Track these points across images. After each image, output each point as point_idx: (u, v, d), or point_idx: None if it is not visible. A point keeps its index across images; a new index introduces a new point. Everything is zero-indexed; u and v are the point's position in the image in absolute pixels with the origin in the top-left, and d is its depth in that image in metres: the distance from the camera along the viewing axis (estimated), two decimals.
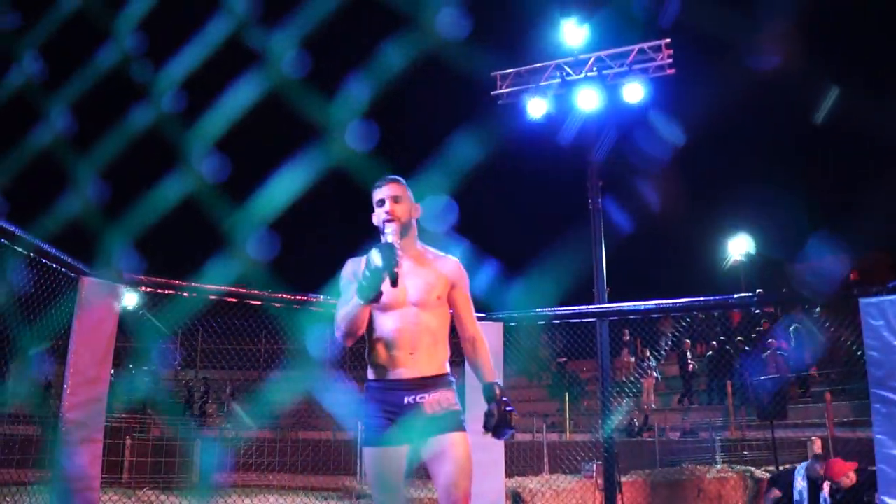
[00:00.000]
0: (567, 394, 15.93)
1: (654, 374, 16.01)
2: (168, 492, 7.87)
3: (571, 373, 16.87)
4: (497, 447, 5.81)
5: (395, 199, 2.88)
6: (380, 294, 2.66)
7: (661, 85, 9.12)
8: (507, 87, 10.04)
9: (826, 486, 6.15)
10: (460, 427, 2.85)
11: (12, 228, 4.05)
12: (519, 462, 11.19)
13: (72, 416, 4.54)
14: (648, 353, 16.05)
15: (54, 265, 4.49)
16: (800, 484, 6.29)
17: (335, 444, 13.28)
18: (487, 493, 5.64)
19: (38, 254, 4.39)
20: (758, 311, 14.82)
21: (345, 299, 2.86)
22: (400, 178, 2.96)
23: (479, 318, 5.92)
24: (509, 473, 9.41)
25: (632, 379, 15.58)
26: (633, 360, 16.92)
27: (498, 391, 2.90)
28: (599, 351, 8.11)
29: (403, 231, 2.88)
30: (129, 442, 11.45)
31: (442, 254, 3.04)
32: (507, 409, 2.86)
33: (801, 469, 6.43)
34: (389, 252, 2.61)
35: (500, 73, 10.13)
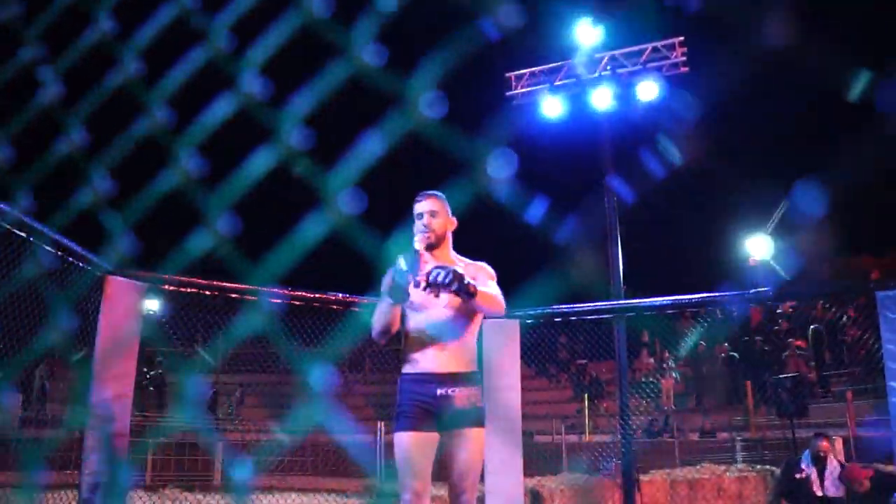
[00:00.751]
0: (587, 395, 15.93)
1: (673, 375, 15.96)
2: (191, 491, 7.99)
3: (591, 374, 16.86)
4: (515, 447, 5.85)
5: (432, 214, 3.23)
6: (407, 294, 3.01)
7: (675, 82, 9.14)
8: (521, 87, 10.11)
9: (831, 461, 6.25)
10: (481, 423, 3.15)
11: (43, 228, 4.17)
12: (538, 462, 11.21)
13: (99, 411, 4.65)
14: (667, 355, 16.01)
15: (80, 263, 4.62)
16: (806, 470, 6.35)
17: (354, 448, 13.35)
18: (506, 490, 5.69)
19: (63, 251, 4.51)
20: (778, 310, 14.75)
21: (381, 302, 3.18)
22: (438, 194, 3.29)
23: (495, 317, 6.00)
24: (529, 473, 9.45)
25: (651, 380, 15.55)
26: (652, 361, 16.88)
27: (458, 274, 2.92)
28: (617, 349, 8.14)
29: (437, 241, 3.23)
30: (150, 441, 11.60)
31: (472, 261, 3.35)
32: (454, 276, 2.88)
33: (805, 456, 6.46)
34: (413, 258, 3.00)
35: (514, 73, 10.20)
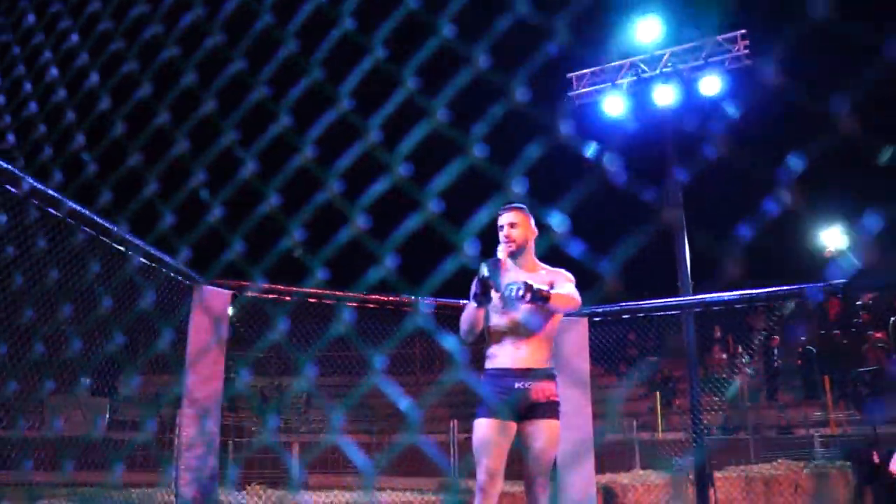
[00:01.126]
0: (658, 393, 15.78)
1: (748, 370, 15.64)
2: (275, 488, 8.36)
3: (662, 371, 16.68)
4: (587, 443, 5.95)
5: (512, 225, 3.53)
6: (489, 298, 3.34)
7: (738, 76, 9.04)
8: (583, 87, 10.17)
9: None
10: (556, 416, 3.45)
11: (138, 241, 4.52)
12: (610, 459, 11.21)
13: (190, 412, 4.99)
14: (741, 350, 15.70)
15: (172, 273, 4.97)
16: None
17: (428, 447, 13.55)
18: (578, 484, 5.80)
19: (156, 262, 4.87)
20: (858, 302, 14.32)
21: (468, 305, 3.52)
22: (521, 206, 3.56)
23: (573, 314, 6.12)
24: (601, 470, 9.49)
25: (724, 376, 15.28)
26: (724, 356, 16.59)
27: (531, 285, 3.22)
28: (687, 345, 8.12)
29: (519, 250, 3.54)
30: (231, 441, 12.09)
31: (553, 268, 3.61)
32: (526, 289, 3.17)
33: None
34: (494, 266, 3.33)
35: (575, 74, 10.26)
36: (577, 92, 10.11)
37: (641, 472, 10.07)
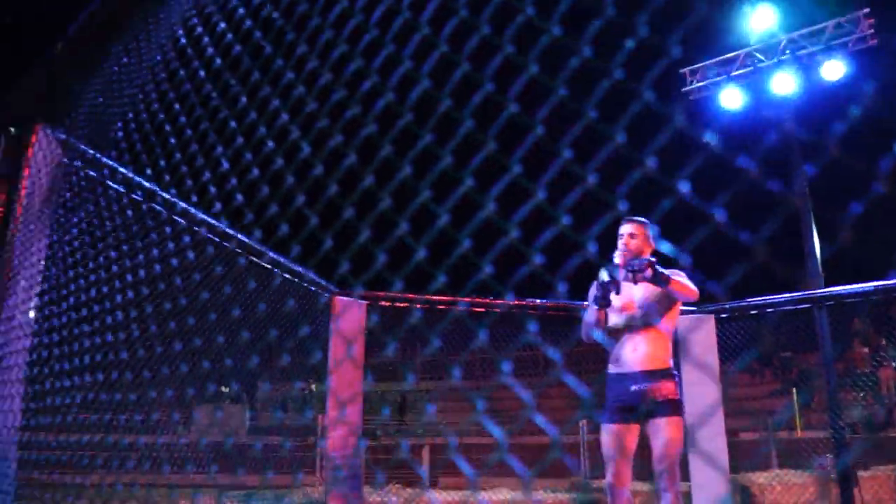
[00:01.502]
0: (795, 390, 15.12)
1: (893, 364, 14.71)
2: (412, 487, 8.74)
3: (798, 367, 15.97)
4: (719, 441, 5.90)
5: (632, 236, 3.74)
6: (609, 302, 3.61)
7: (863, 58, 8.62)
8: (697, 81, 10.00)
9: None
10: (676, 413, 3.57)
11: (280, 258, 4.95)
12: (746, 458, 10.90)
13: (334, 415, 5.38)
14: (884, 342, 14.79)
15: (311, 287, 5.39)
16: None
17: (558, 447, 13.61)
18: (711, 484, 5.77)
19: (297, 276, 5.30)
20: None
21: (588, 309, 3.82)
22: (641, 220, 3.77)
23: (689, 313, 6.11)
24: (737, 469, 9.28)
25: (867, 370, 14.45)
26: (866, 350, 15.67)
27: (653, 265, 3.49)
28: (821, 340, 7.84)
29: (635, 258, 3.67)
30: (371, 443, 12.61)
31: (670, 272, 3.71)
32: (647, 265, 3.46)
33: None
34: (612, 271, 3.60)
35: (688, 69, 10.11)
36: (690, 87, 9.96)
37: (779, 471, 9.74)
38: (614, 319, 3.75)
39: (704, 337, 6.15)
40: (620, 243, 3.76)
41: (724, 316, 6.44)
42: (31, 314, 2.90)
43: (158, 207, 3.16)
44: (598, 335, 3.76)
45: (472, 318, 6.39)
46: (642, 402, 3.56)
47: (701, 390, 5.56)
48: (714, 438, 5.84)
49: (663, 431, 3.52)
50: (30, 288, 2.86)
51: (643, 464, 3.90)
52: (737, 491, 8.45)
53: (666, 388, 3.58)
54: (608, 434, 3.65)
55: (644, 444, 3.69)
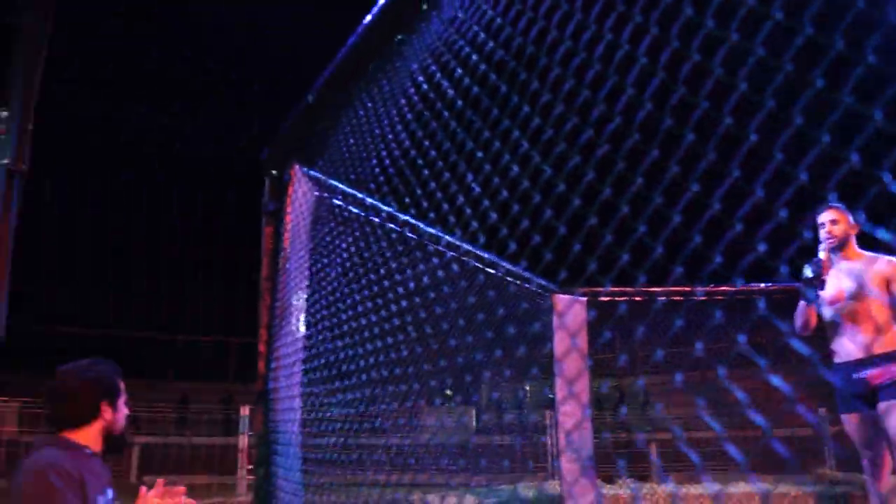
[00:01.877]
0: None
1: None
2: (645, 481, 8.73)
3: None
4: None
5: (833, 222, 3.76)
6: (816, 296, 3.72)
7: None
8: None
9: None
10: None
11: (502, 262, 5.23)
12: None
13: (565, 409, 5.57)
14: None
15: (531, 287, 5.63)
16: None
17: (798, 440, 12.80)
18: None
19: (518, 278, 5.56)
20: None
21: (799, 304, 3.88)
22: (838, 205, 3.79)
23: None
24: None
25: None
26: None
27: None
28: None
29: (841, 245, 3.76)
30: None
31: (880, 255, 3.77)
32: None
33: None
34: (816, 267, 3.64)
35: None
36: None
37: None
38: (827, 313, 3.80)
39: None
40: (824, 232, 3.79)
41: None
42: (303, 329, 3.38)
43: (409, 234, 3.56)
44: (811, 329, 3.85)
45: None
46: (866, 389, 3.58)
47: None
48: None
49: (891, 415, 3.48)
50: (300, 309, 3.35)
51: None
52: None
53: (887, 371, 3.54)
54: (848, 423, 3.74)
55: None
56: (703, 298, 6.14)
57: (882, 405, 3.49)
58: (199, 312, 23.95)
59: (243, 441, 7.81)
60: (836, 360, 3.76)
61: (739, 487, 7.76)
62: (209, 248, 24.56)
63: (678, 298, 6.12)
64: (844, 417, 3.72)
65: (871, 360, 3.58)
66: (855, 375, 3.61)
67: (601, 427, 15.01)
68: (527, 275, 5.60)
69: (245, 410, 8.00)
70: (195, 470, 11.98)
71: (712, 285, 6.02)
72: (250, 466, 7.41)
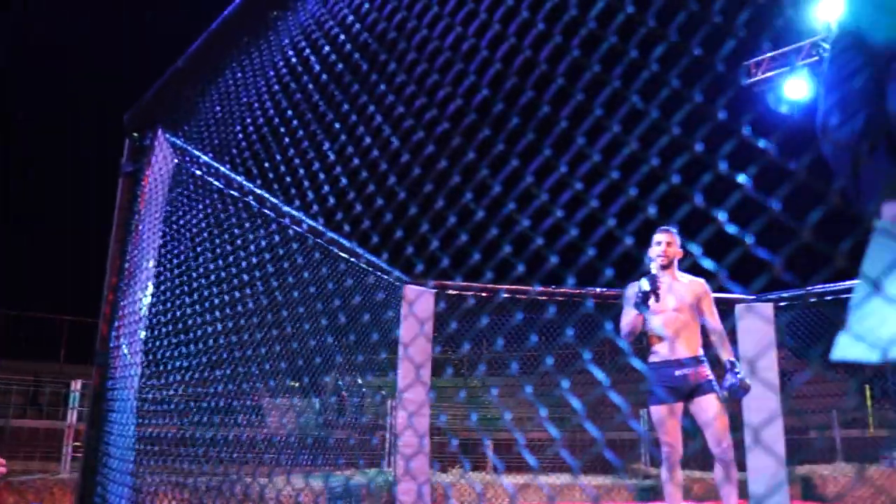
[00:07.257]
0: (868, 387, 14.83)
1: None
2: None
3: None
4: (774, 427, 6.00)
5: (669, 244, 4.32)
6: (648, 307, 4.12)
7: None
8: (762, 73, 10.02)
9: None
10: (713, 390, 4.18)
11: (359, 250, 5.35)
12: (811, 453, 10.86)
13: (405, 399, 5.75)
14: None
15: (384, 276, 5.79)
16: None
17: (620, 442, 13.73)
18: (767, 470, 5.89)
19: (372, 267, 5.70)
20: None
21: (626, 311, 4.35)
22: (672, 230, 4.35)
23: (748, 300, 6.25)
24: (801, 462, 9.30)
25: None
26: None
27: (730, 366, 4.13)
28: None
29: (668, 265, 4.32)
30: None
31: (692, 277, 4.42)
32: (739, 377, 4.08)
33: None
34: (652, 280, 4.08)
35: (753, 60, 10.13)
36: (753, 80, 9.99)
37: (844, 464, 9.69)
38: (653, 320, 4.29)
39: (762, 325, 6.21)
40: (659, 250, 4.31)
41: (783, 304, 6.44)
42: (149, 294, 3.33)
43: (263, 209, 3.58)
44: (636, 334, 4.32)
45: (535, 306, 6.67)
46: (684, 385, 4.17)
47: (757, 377, 5.66)
48: (769, 425, 5.91)
49: (706, 405, 4.13)
50: (149, 275, 3.31)
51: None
52: (798, 482, 8.51)
53: (701, 371, 4.18)
54: (659, 413, 4.22)
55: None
56: (542, 298, 6.52)
57: (701, 399, 4.13)
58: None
59: (73, 416, 7.43)
60: (655, 359, 4.31)
61: (563, 479, 8.30)
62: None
63: (521, 297, 6.47)
64: (654, 409, 4.25)
65: (686, 361, 4.21)
66: (677, 373, 4.18)
67: (438, 412, 15.40)
68: (385, 266, 5.75)
69: (76, 385, 7.61)
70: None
71: (552, 286, 6.41)
72: (77, 443, 7.08)
